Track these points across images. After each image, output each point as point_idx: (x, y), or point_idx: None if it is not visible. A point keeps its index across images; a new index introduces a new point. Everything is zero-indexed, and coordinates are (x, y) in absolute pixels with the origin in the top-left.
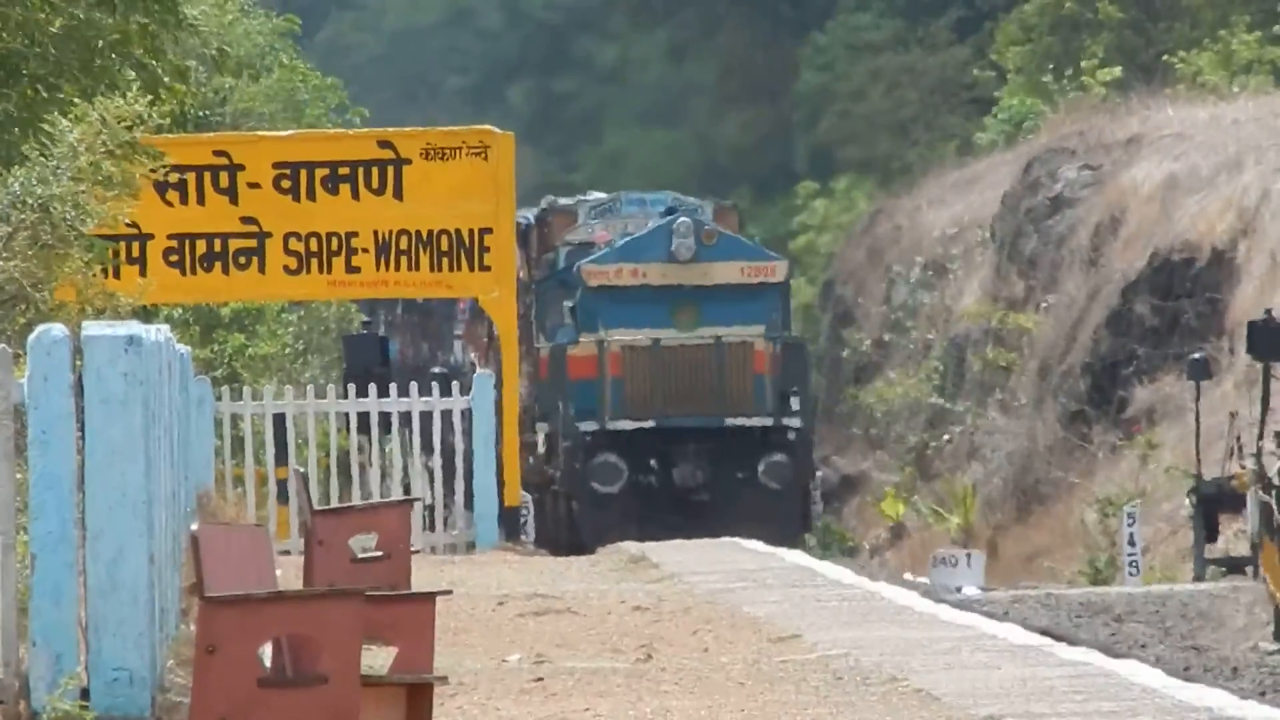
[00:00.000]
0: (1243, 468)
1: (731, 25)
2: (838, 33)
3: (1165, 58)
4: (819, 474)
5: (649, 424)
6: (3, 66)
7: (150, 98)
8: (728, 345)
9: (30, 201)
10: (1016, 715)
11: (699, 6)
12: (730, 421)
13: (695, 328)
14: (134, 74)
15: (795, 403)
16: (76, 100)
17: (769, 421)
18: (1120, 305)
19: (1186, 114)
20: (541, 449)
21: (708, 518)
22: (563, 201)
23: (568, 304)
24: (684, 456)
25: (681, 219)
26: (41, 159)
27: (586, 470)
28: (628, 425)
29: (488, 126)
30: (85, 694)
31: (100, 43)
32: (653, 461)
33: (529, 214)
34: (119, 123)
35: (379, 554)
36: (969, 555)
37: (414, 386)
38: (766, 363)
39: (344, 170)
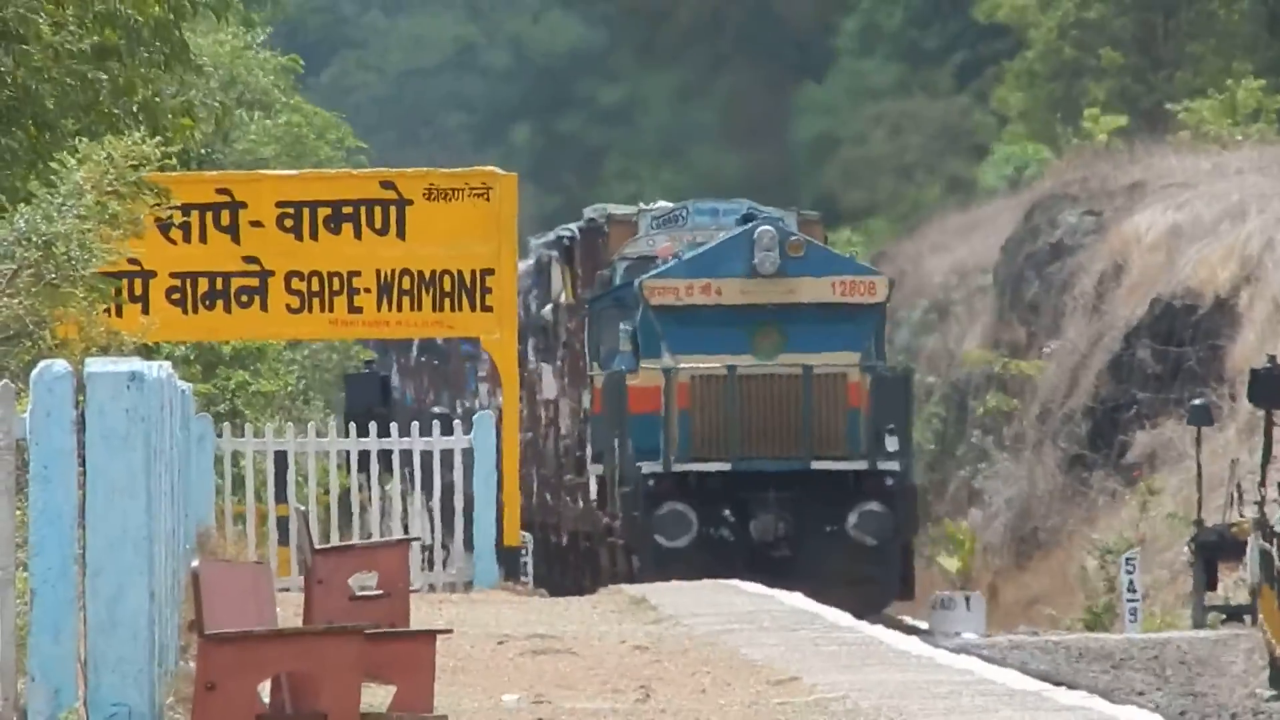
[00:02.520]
0: (1243, 515)
1: (736, 67)
2: (840, 78)
3: (1169, 106)
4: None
5: (723, 467)
6: (9, 110)
7: (158, 138)
8: (817, 376)
9: (35, 239)
10: None
11: (703, 48)
12: (818, 465)
13: (778, 354)
14: (136, 115)
15: (894, 443)
16: (82, 139)
17: (863, 465)
18: (1122, 350)
19: (1189, 163)
20: (594, 494)
21: (790, 577)
22: (620, 211)
23: (625, 326)
24: (763, 505)
25: (763, 227)
26: (47, 197)
27: (650, 521)
28: (698, 468)
29: (491, 168)
30: None
31: (102, 88)
32: (727, 511)
33: (572, 227)
34: (126, 162)
35: (378, 592)
36: (968, 598)
37: (414, 426)
38: (862, 396)
39: (347, 210)
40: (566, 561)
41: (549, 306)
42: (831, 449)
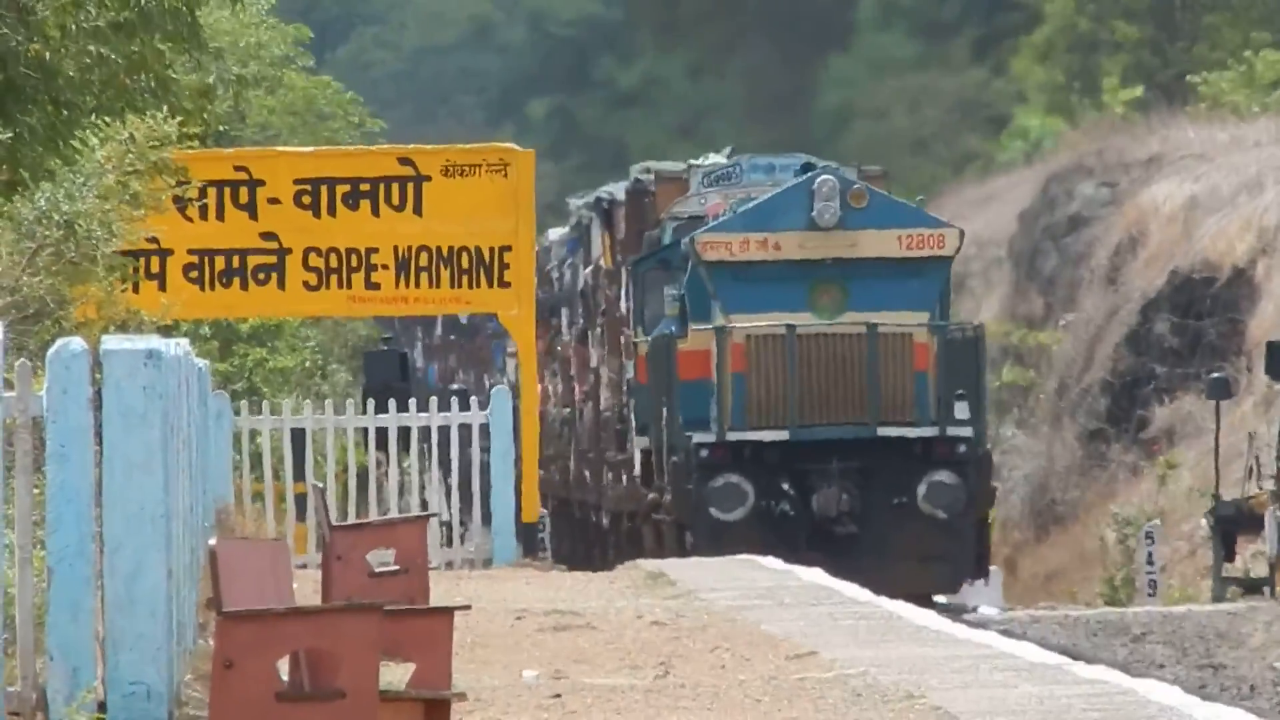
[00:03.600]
0: (1261, 488)
1: (754, 42)
2: (859, 52)
3: (1187, 78)
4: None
5: (781, 435)
6: (26, 90)
7: (179, 118)
8: (882, 336)
9: (56, 218)
10: None
11: (721, 24)
12: (884, 431)
13: (840, 313)
14: (152, 95)
15: (965, 408)
16: (106, 120)
17: (933, 432)
18: (1139, 324)
19: (1207, 134)
20: (638, 469)
21: (855, 554)
22: (668, 167)
23: (671, 291)
24: (825, 477)
25: (824, 176)
26: (69, 175)
27: (702, 494)
28: (754, 437)
29: (508, 144)
30: (102, 708)
31: (118, 66)
32: (786, 483)
33: (614, 189)
34: (147, 142)
35: (397, 569)
36: (988, 572)
37: (433, 401)
38: (930, 358)
39: (364, 186)
40: (607, 542)
41: (588, 270)
42: (898, 415)
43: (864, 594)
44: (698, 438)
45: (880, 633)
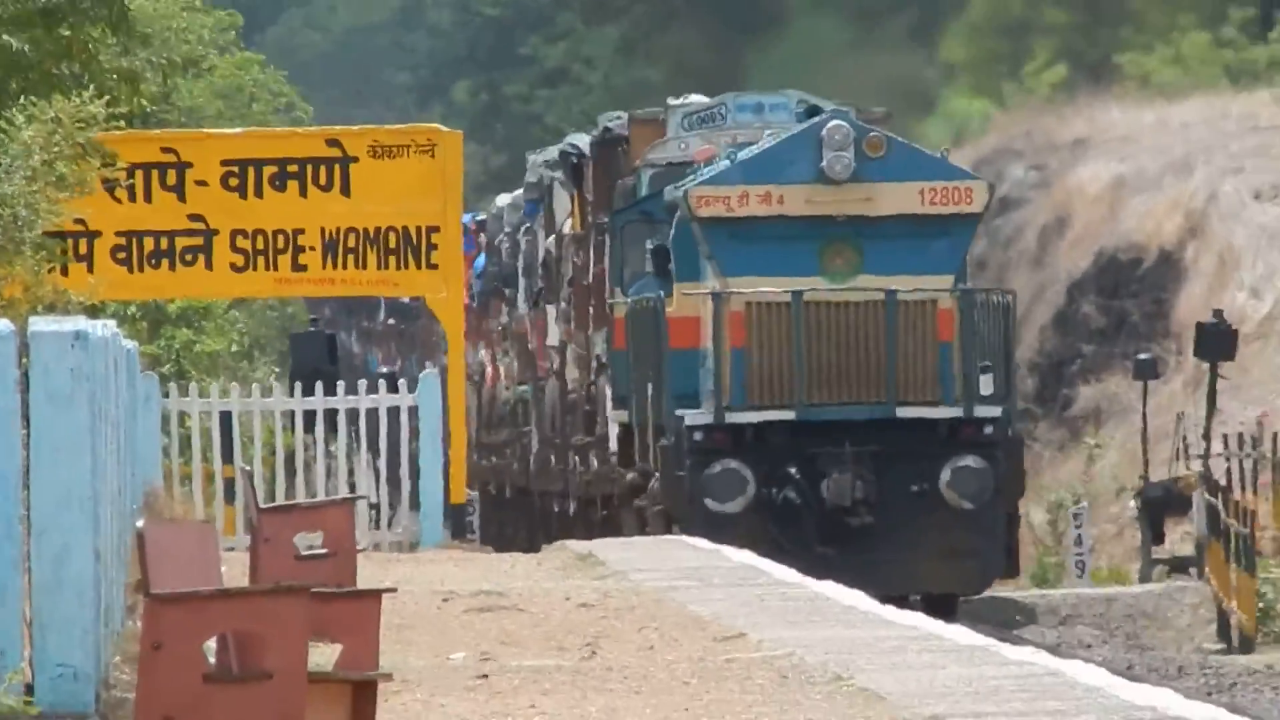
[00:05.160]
0: (1189, 469)
1: (684, 23)
2: (792, 34)
3: (1114, 58)
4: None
5: (787, 416)
6: None
7: (106, 99)
8: (902, 303)
9: None
10: (962, 714)
11: (651, 3)
12: (904, 412)
13: (854, 277)
14: (80, 78)
15: (992, 384)
16: (33, 101)
17: (958, 412)
18: (1066, 305)
19: (1134, 116)
20: (614, 445)
21: (871, 549)
22: (643, 112)
23: (653, 243)
24: (837, 462)
25: (835, 122)
26: None
27: (697, 482)
28: (756, 417)
29: (435, 125)
30: (30, 689)
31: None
32: (792, 469)
33: (579, 141)
34: (74, 124)
35: (324, 552)
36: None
37: (361, 384)
38: (955, 329)
39: (292, 168)
40: (572, 532)
41: (550, 238)
42: (919, 393)
43: (792, 575)
44: (691, 418)
45: (808, 614)
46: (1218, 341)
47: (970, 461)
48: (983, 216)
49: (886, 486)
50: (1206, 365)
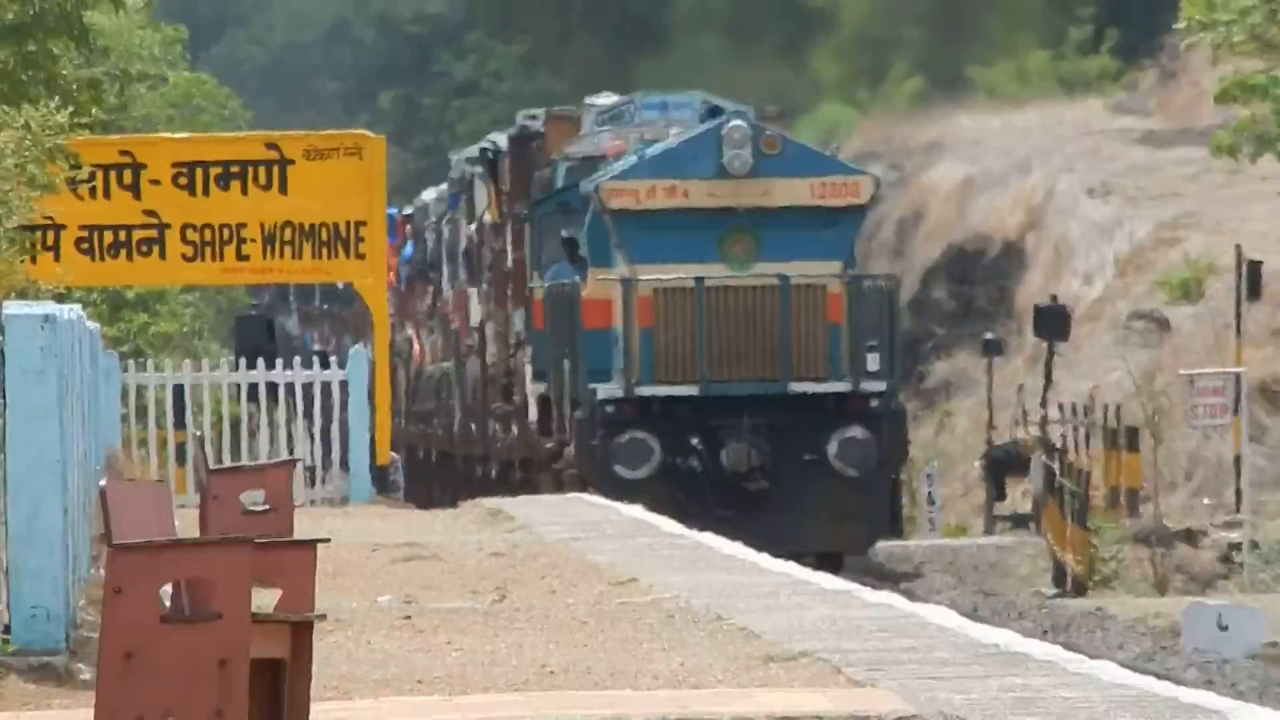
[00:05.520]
0: (1028, 435)
1: (582, 39)
2: (676, 50)
3: (964, 71)
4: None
5: (690, 391)
6: None
7: (71, 109)
8: (795, 287)
9: None
10: (828, 650)
11: (553, 21)
12: (796, 387)
13: (751, 264)
14: (44, 89)
15: (878, 361)
16: (4, 109)
17: (846, 387)
18: (921, 290)
19: (981, 122)
20: (534, 415)
21: (765, 511)
22: (559, 109)
23: (567, 232)
24: (735, 433)
25: (735, 122)
26: None
27: (607, 450)
28: (662, 392)
29: (362, 131)
30: (6, 630)
31: (13, 63)
32: (695, 439)
33: (497, 139)
34: (43, 130)
35: (266, 507)
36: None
37: (296, 361)
38: (844, 310)
39: (235, 169)
40: (493, 493)
41: (472, 226)
42: (810, 370)
43: (677, 527)
44: (603, 392)
45: (692, 561)
46: (1054, 322)
47: (857, 432)
48: (868, 208)
49: (780, 455)
50: (1044, 344)
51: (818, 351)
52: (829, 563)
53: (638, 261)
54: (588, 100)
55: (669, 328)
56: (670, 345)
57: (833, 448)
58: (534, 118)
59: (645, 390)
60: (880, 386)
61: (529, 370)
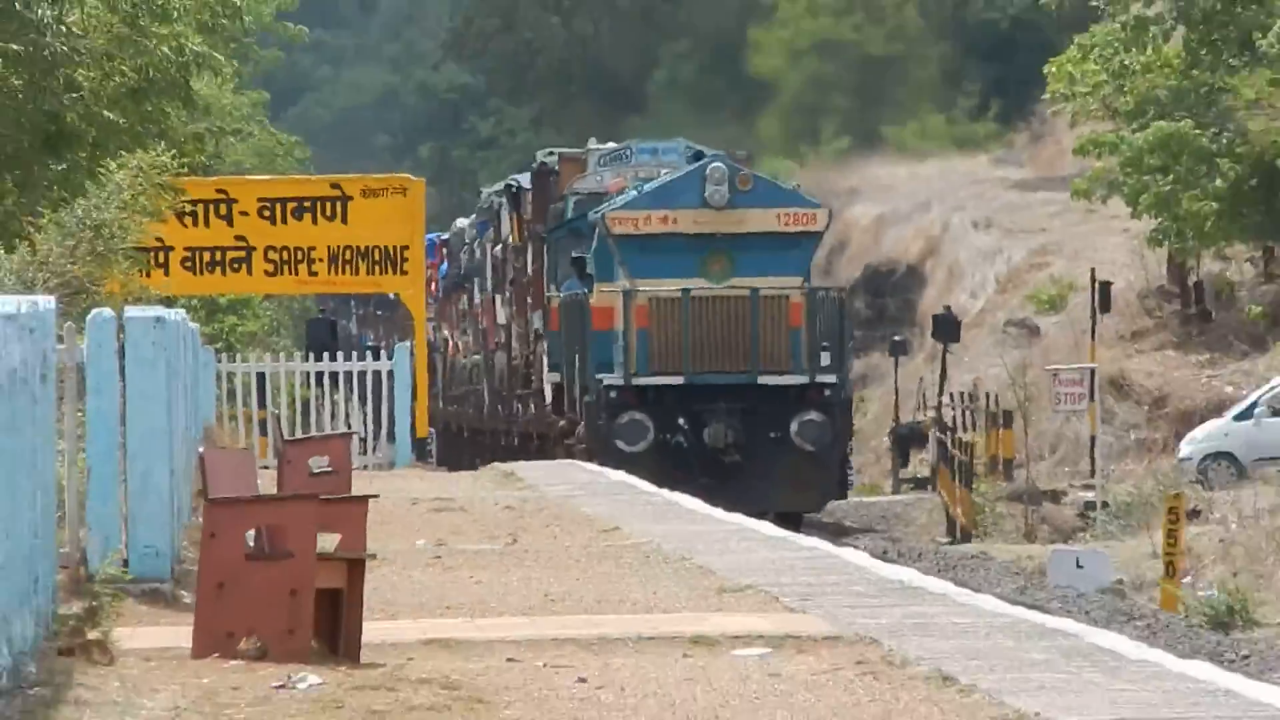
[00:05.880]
0: (926, 416)
1: (579, 104)
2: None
3: (879, 130)
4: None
5: (677, 380)
6: (72, 135)
7: (175, 154)
8: (763, 298)
9: (89, 223)
10: (768, 583)
11: (556, 88)
12: (764, 379)
13: (728, 279)
14: (156, 140)
15: (830, 359)
16: (125, 154)
17: (804, 379)
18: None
19: (891, 171)
20: (549, 399)
21: (739, 480)
22: (569, 151)
23: (577, 253)
24: (714, 415)
25: (715, 164)
26: (97, 193)
27: (611, 429)
28: (655, 381)
29: (406, 175)
30: (126, 563)
31: (133, 120)
32: (681, 420)
33: (520, 178)
34: (152, 170)
35: (329, 470)
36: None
37: (354, 354)
38: (803, 317)
39: (306, 204)
40: (516, 457)
41: (497, 247)
42: (775, 364)
43: (651, 487)
44: (608, 381)
45: (663, 514)
46: (947, 328)
47: (813, 416)
48: (823, 234)
49: (750, 434)
50: (939, 345)
51: (781, 350)
52: (790, 520)
53: (635, 276)
54: (592, 145)
55: (660, 329)
56: (661, 344)
57: (794, 427)
58: (550, 154)
59: (641, 380)
60: (832, 379)
61: (545, 362)
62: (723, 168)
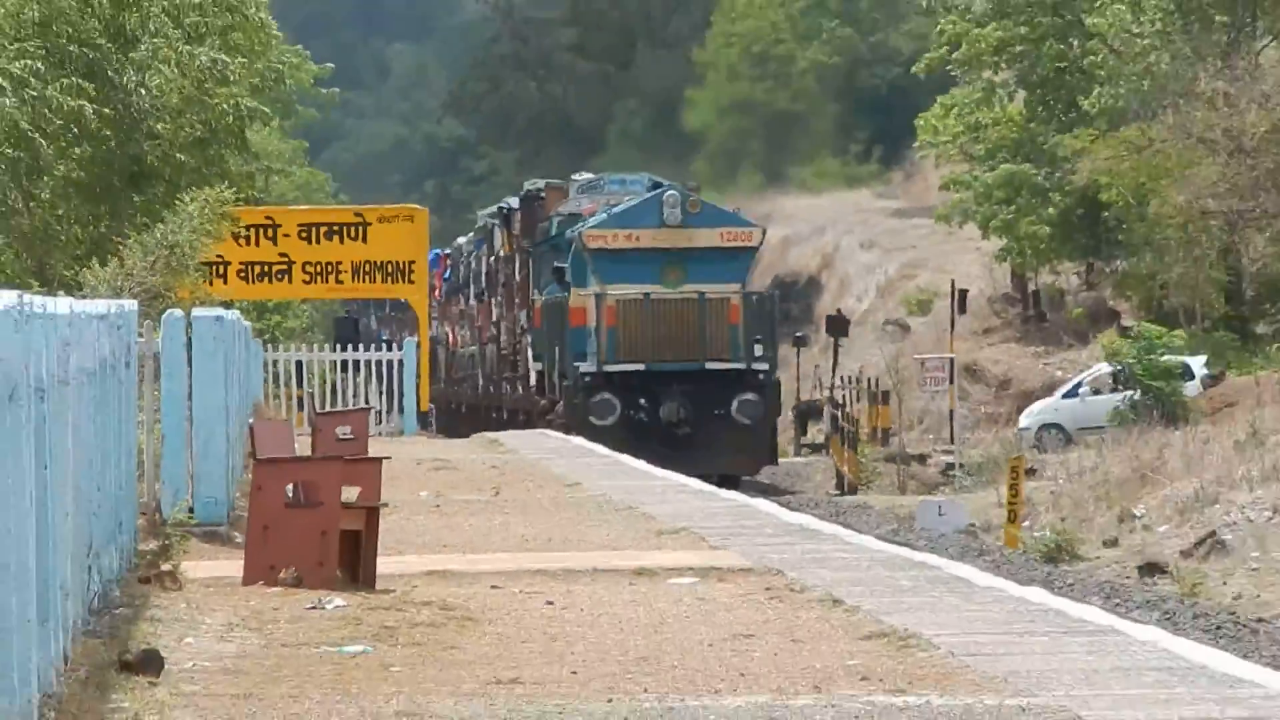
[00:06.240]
0: (821, 395)
1: (552, 150)
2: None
3: (786, 170)
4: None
5: (639, 367)
6: (152, 174)
7: (233, 189)
8: (709, 300)
9: (165, 244)
10: (699, 526)
11: (535, 136)
12: (709, 365)
13: (681, 285)
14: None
15: (761, 350)
16: (194, 189)
17: (742, 366)
18: None
19: (796, 203)
20: (533, 382)
21: (689, 449)
22: (552, 182)
23: (557, 264)
24: (669, 396)
25: (670, 191)
26: (173, 220)
27: (586, 406)
28: (621, 368)
29: (414, 205)
30: (191, 511)
31: (199, 162)
32: (642, 400)
33: (510, 201)
34: (216, 203)
35: (352, 437)
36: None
37: (372, 347)
38: (741, 316)
39: (335, 228)
40: (505, 430)
41: (491, 258)
42: (719, 354)
43: (606, 450)
44: (582, 368)
45: (614, 473)
46: (838, 326)
47: (750, 396)
48: (758, 249)
49: (698, 411)
50: (832, 339)
51: (723, 342)
52: (730, 481)
53: (605, 282)
54: (572, 177)
55: (625, 326)
56: (626, 337)
57: (734, 405)
58: (536, 184)
59: (610, 367)
60: (764, 366)
61: (530, 353)
62: (677, 195)
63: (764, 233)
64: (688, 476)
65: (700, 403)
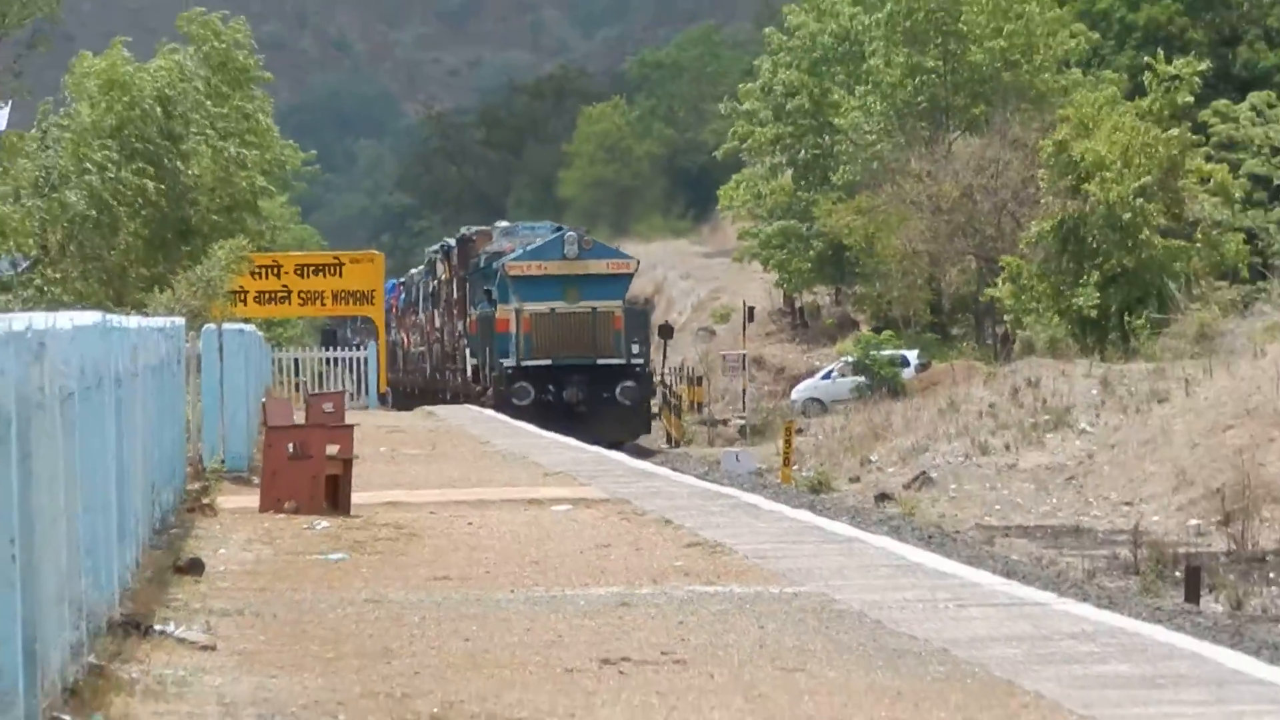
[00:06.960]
0: (656, 380)
1: (471, 211)
2: (512, 218)
3: (629, 226)
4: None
5: (547, 362)
6: (188, 229)
7: (249, 241)
8: (599, 313)
9: (203, 279)
10: (570, 471)
11: (455, 204)
12: (600, 361)
13: (578, 301)
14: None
15: (637, 349)
16: (221, 239)
17: (624, 361)
18: None
19: (635, 248)
20: (470, 374)
21: (585, 423)
22: (480, 228)
23: (486, 287)
24: (570, 383)
25: (569, 233)
26: (205, 261)
27: (508, 392)
28: (534, 363)
29: (373, 251)
30: (223, 462)
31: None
32: (550, 386)
33: (450, 241)
34: (237, 251)
35: (333, 411)
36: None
37: (347, 348)
38: (622, 324)
39: (321, 267)
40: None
41: (435, 283)
42: (607, 352)
43: (509, 419)
44: (506, 363)
45: (516, 434)
46: (666, 332)
47: (630, 383)
48: (633, 275)
49: (592, 395)
50: (662, 341)
51: (610, 343)
52: (615, 447)
53: (523, 301)
54: (496, 224)
55: (538, 332)
56: (538, 340)
57: (618, 391)
58: (468, 229)
59: (526, 362)
60: (641, 361)
61: (468, 352)
62: (574, 235)
63: (638, 263)
64: (583, 443)
65: (593, 388)
